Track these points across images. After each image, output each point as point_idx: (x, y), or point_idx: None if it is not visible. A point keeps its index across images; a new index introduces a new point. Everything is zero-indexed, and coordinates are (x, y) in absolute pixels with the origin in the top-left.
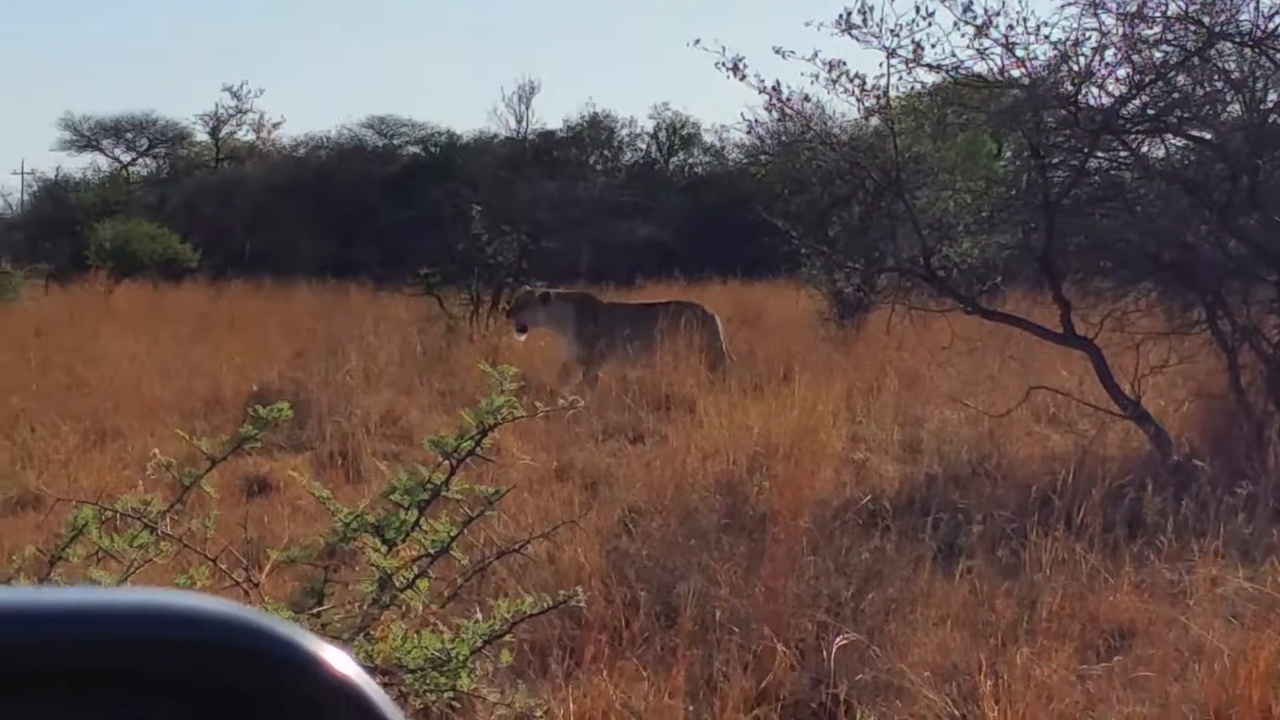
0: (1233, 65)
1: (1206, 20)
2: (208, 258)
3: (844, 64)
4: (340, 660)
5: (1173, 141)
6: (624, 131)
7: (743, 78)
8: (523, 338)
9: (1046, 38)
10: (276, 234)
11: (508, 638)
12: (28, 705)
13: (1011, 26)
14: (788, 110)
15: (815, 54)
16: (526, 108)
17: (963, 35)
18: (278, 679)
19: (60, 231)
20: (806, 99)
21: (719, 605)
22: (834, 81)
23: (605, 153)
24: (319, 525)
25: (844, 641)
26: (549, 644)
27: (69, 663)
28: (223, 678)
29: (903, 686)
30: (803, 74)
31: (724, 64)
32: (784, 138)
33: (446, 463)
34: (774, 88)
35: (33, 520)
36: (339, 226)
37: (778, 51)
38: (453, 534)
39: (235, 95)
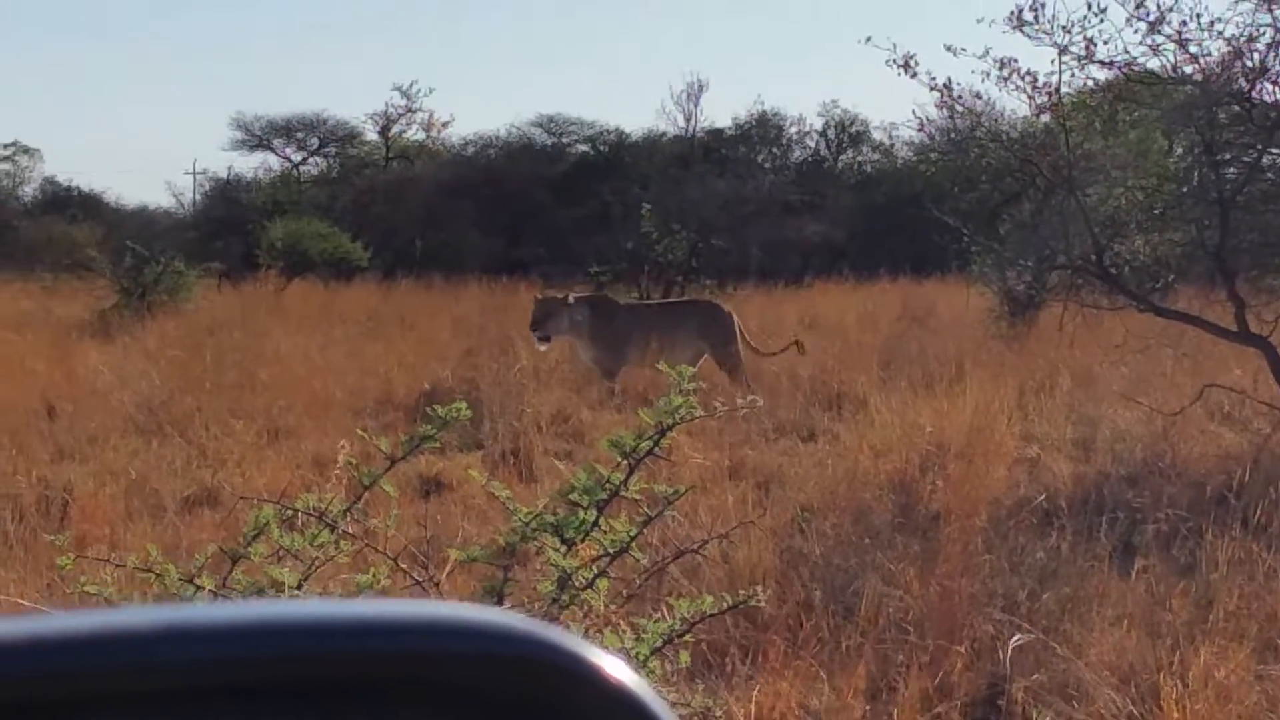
0: None
1: None
2: (378, 256)
3: (1015, 61)
4: (618, 668)
5: None
6: (792, 129)
7: (913, 75)
8: (544, 348)
9: (1220, 34)
10: (446, 233)
11: (687, 638)
12: (316, 717)
13: (1185, 22)
14: (958, 107)
15: (986, 51)
16: (695, 106)
17: (1135, 31)
18: (560, 687)
19: (232, 231)
20: (977, 96)
21: (893, 605)
22: (1005, 79)
23: (774, 150)
24: (492, 524)
25: (1020, 641)
26: (725, 644)
27: (354, 674)
28: (506, 687)
29: (1080, 686)
30: (974, 71)
31: (895, 61)
32: (954, 135)
33: (624, 462)
34: (945, 85)
35: (209, 518)
36: (508, 225)
37: (949, 49)
38: (632, 534)
39: (405, 94)
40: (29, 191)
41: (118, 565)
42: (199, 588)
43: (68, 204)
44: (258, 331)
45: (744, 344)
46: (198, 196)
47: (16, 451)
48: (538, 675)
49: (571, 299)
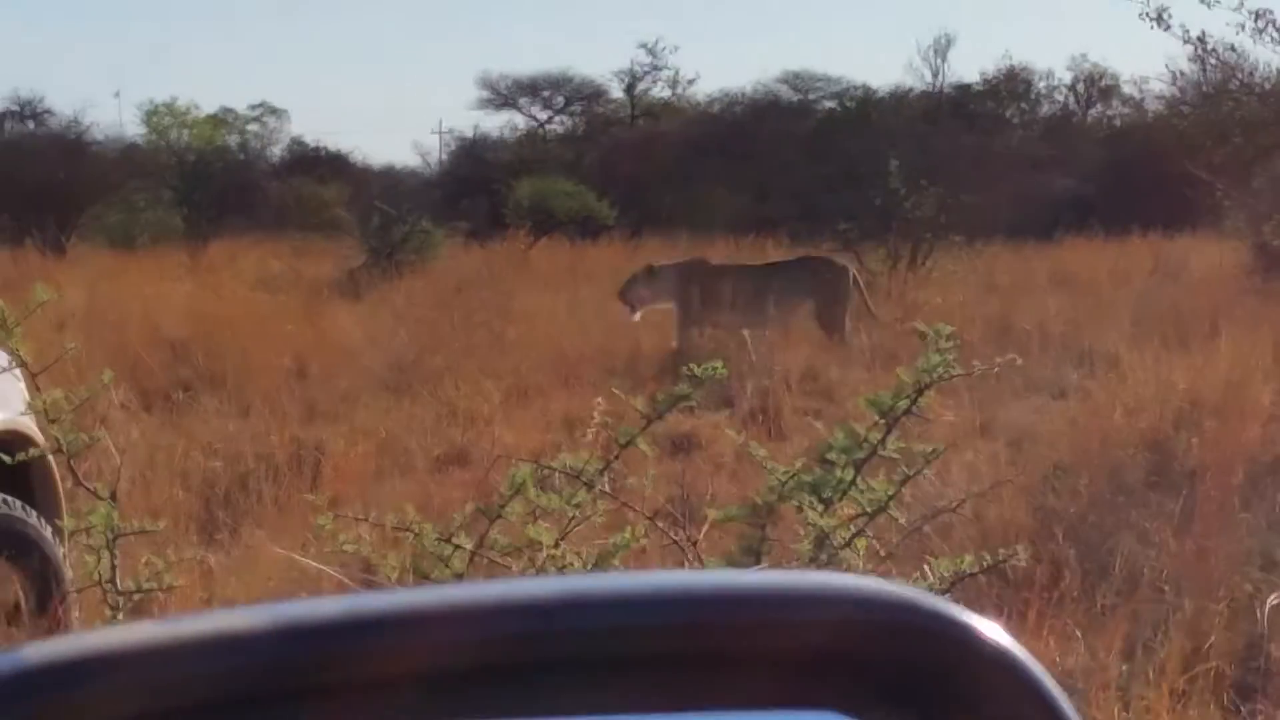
0: None
1: None
2: (624, 215)
3: (1270, 13)
4: (996, 631)
5: None
6: (1041, 84)
7: (1166, 28)
8: (636, 317)
9: None
10: (692, 190)
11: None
12: (727, 685)
13: None
14: (1211, 61)
15: (1241, 3)
16: (942, 61)
17: None
18: (945, 652)
19: (478, 190)
20: (1231, 49)
21: (1149, 564)
22: (1260, 31)
23: (1022, 105)
24: (741, 482)
25: (1278, 602)
26: (980, 603)
27: (766, 644)
28: (900, 654)
29: None
30: (1228, 24)
31: (1147, 14)
32: (1206, 89)
33: (881, 420)
34: (1199, 38)
35: (460, 477)
36: (754, 182)
37: (1203, 1)
38: (890, 493)
39: (651, 52)
40: (277, 152)
41: (375, 524)
42: (457, 547)
43: (315, 164)
44: (505, 290)
45: (864, 306)
46: (444, 156)
47: (270, 412)
48: (923, 640)
49: (656, 267)
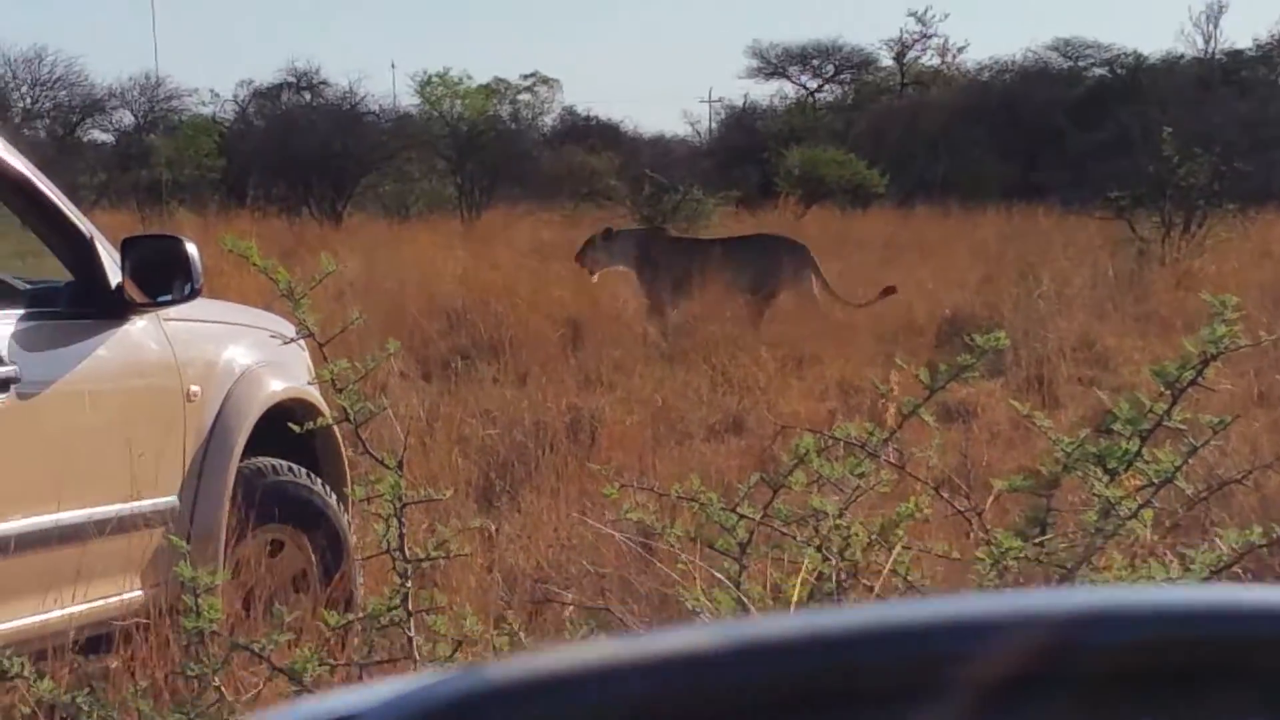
0: None
1: None
2: (894, 183)
3: None
4: None
5: None
6: None
7: None
8: (594, 278)
9: None
10: (961, 159)
11: (1235, 569)
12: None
13: None
14: None
15: None
16: (1214, 27)
17: None
18: None
19: (748, 159)
20: None
21: None
22: None
23: None
24: (1016, 451)
25: None
26: (1263, 576)
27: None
28: None
29: None
30: None
31: None
32: None
33: (1166, 391)
34: None
35: (735, 445)
36: (1024, 150)
37: None
38: (1177, 463)
39: (920, 20)
40: (548, 122)
41: (660, 494)
42: (742, 516)
43: (586, 134)
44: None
45: (823, 289)
46: (713, 125)
47: (546, 380)
48: None
49: (614, 231)
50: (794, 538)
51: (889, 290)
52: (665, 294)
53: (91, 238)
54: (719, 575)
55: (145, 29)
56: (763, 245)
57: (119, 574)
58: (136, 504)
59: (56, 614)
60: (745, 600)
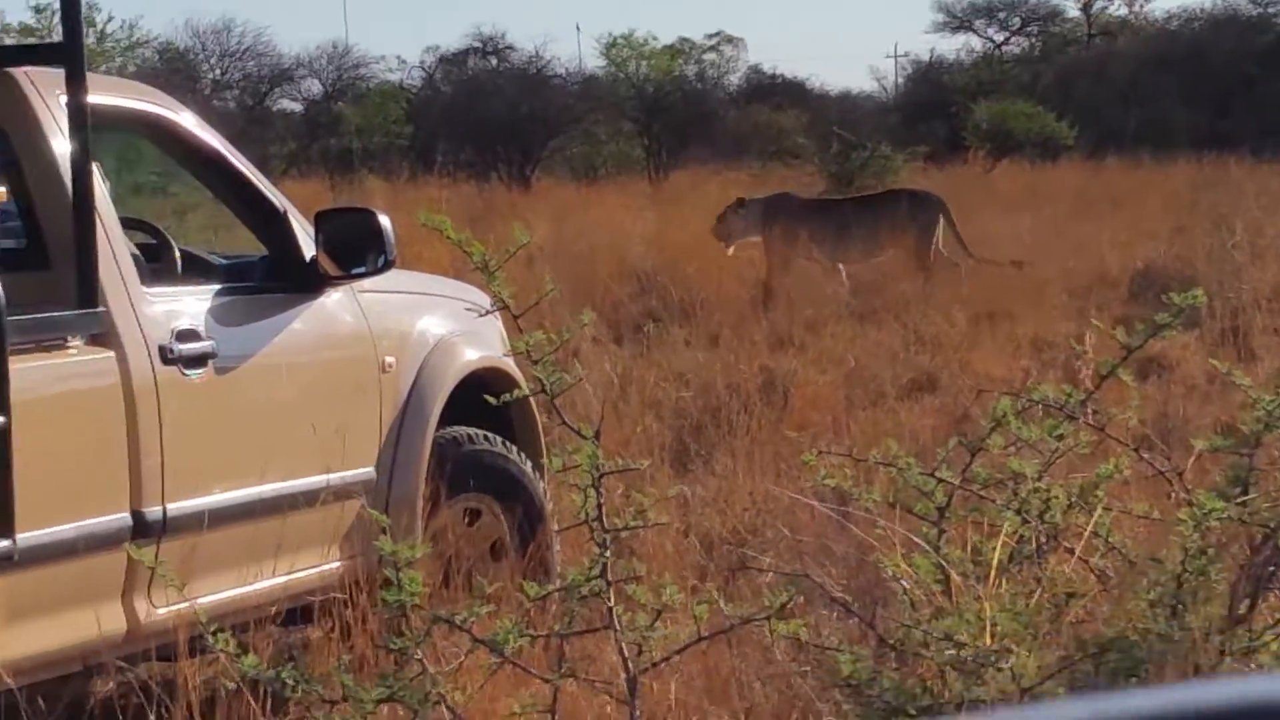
0: None
1: None
2: (1082, 135)
3: None
4: None
5: None
6: None
7: None
8: (730, 250)
9: None
10: (1150, 109)
11: None
12: None
13: None
14: None
15: None
16: None
17: None
18: None
19: (935, 114)
20: None
21: None
22: None
23: None
24: (1213, 406)
25: None
26: None
27: None
28: None
29: None
30: None
31: None
32: None
33: None
34: None
35: (929, 404)
36: (1213, 99)
37: None
38: None
39: None
40: (734, 81)
41: (858, 460)
42: (940, 480)
43: (772, 92)
44: (965, 213)
45: (958, 242)
46: (900, 80)
47: (738, 341)
48: None
49: (743, 200)
50: (993, 501)
51: (1018, 264)
52: (786, 265)
53: (285, 212)
54: (917, 539)
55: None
56: (890, 201)
57: (317, 546)
58: (334, 476)
59: (257, 587)
60: (944, 564)
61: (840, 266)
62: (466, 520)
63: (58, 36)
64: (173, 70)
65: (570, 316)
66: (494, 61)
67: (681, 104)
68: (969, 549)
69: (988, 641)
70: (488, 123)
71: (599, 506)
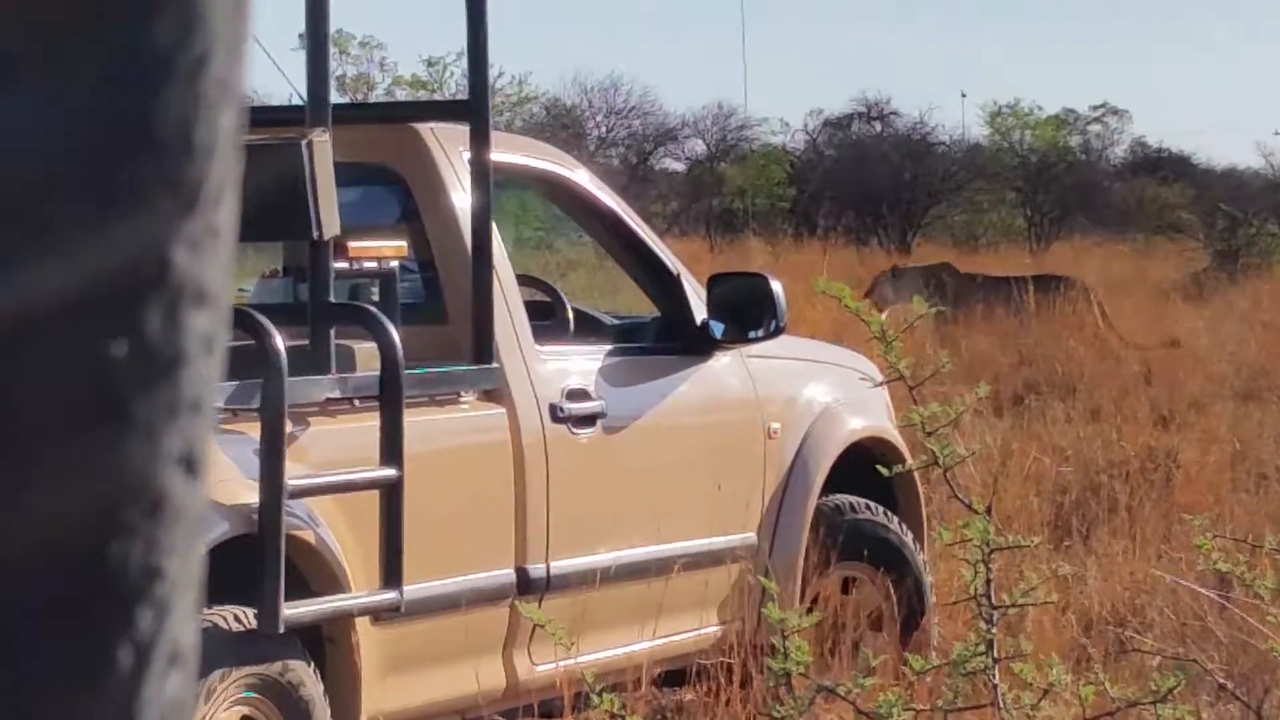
0: None
1: None
2: None
3: None
4: None
5: None
6: None
7: None
8: (884, 316)
9: None
10: None
11: None
12: None
13: None
14: None
15: None
16: None
17: None
18: None
19: None
20: None
21: None
22: None
23: None
24: None
25: None
26: None
27: None
28: None
29: None
30: None
31: None
32: None
33: None
34: None
35: None
36: None
37: None
38: None
39: None
40: (1118, 153)
41: (1254, 546)
42: None
43: (1157, 165)
44: None
45: (1104, 323)
46: None
47: (1121, 419)
48: None
49: (899, 268)
50: None
51: (1173, 343)
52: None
53: (679, 274)
54: None
55: (717, 60)
56: (1043, 284)
57: (697, 609)
58: (716, 539)
59: (637, 647)
60: None
61: None
62: (841, 588)
63: (449, 89)
64: (560, 126)
65: (951, 384)
66: (878, 127)
67: (1066, 175)
68: None
69: None
70: (871, 188)
71: (988, 582)
